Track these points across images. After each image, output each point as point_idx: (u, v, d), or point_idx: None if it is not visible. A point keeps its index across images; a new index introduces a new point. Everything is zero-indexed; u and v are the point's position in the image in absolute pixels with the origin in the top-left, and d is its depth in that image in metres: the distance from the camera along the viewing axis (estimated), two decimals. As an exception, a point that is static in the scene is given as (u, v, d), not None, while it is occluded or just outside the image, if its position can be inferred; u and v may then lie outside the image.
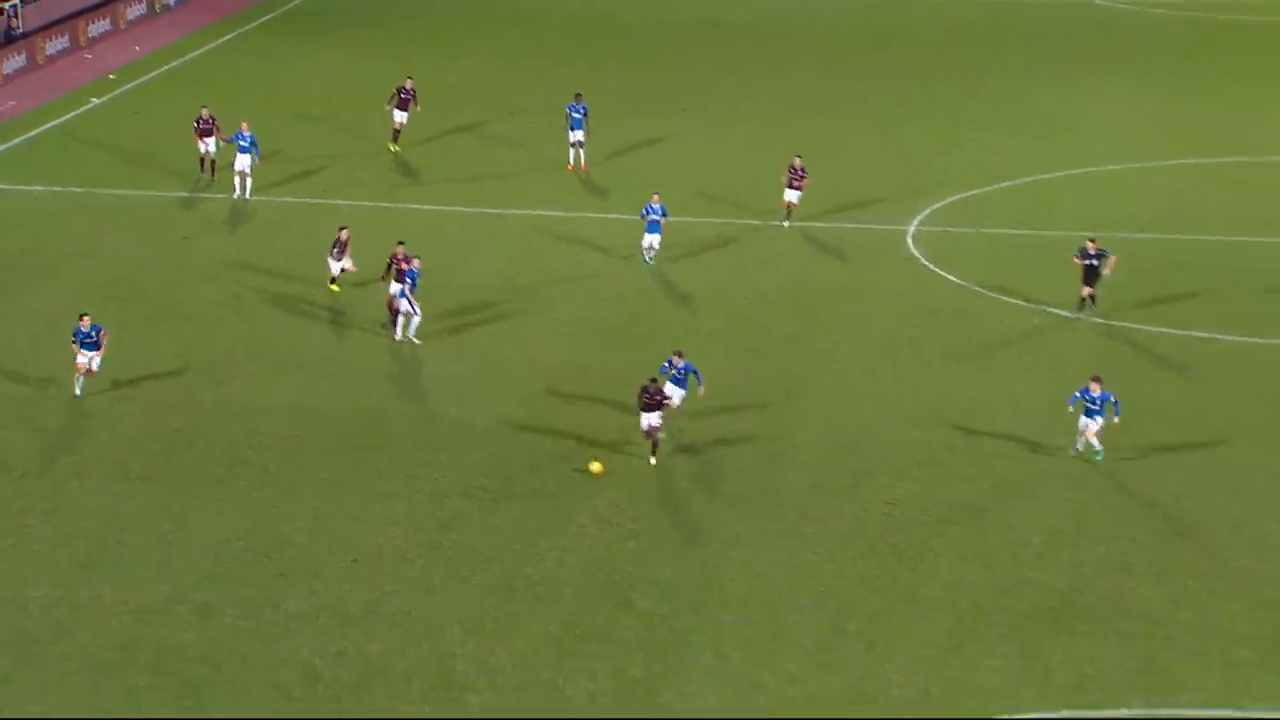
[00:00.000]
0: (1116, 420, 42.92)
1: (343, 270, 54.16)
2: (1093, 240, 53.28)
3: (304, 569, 39.16)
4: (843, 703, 34.01)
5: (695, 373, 44.65)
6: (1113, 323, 53.40)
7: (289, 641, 36.20)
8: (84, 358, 46.49)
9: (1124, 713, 33.72)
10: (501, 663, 35.39)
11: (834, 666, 35.31)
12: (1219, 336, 52.66)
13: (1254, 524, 41.37)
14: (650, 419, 43.04)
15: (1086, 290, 53.26)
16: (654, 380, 43.57)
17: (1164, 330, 53.04)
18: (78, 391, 46.60)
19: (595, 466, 41.73)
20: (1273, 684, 35.08)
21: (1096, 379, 43.19)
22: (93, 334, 46.50)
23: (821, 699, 34.14)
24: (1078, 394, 43.54)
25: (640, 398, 43.18)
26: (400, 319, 51.07)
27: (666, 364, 44.86)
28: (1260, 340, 52.37)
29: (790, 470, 43.97)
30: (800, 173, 60.83)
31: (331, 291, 54.51)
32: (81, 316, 46.54)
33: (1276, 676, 35.39)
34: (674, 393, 44.30)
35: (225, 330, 52.81)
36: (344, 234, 54.25)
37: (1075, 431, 43.80)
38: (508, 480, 43.25)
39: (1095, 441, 43.25)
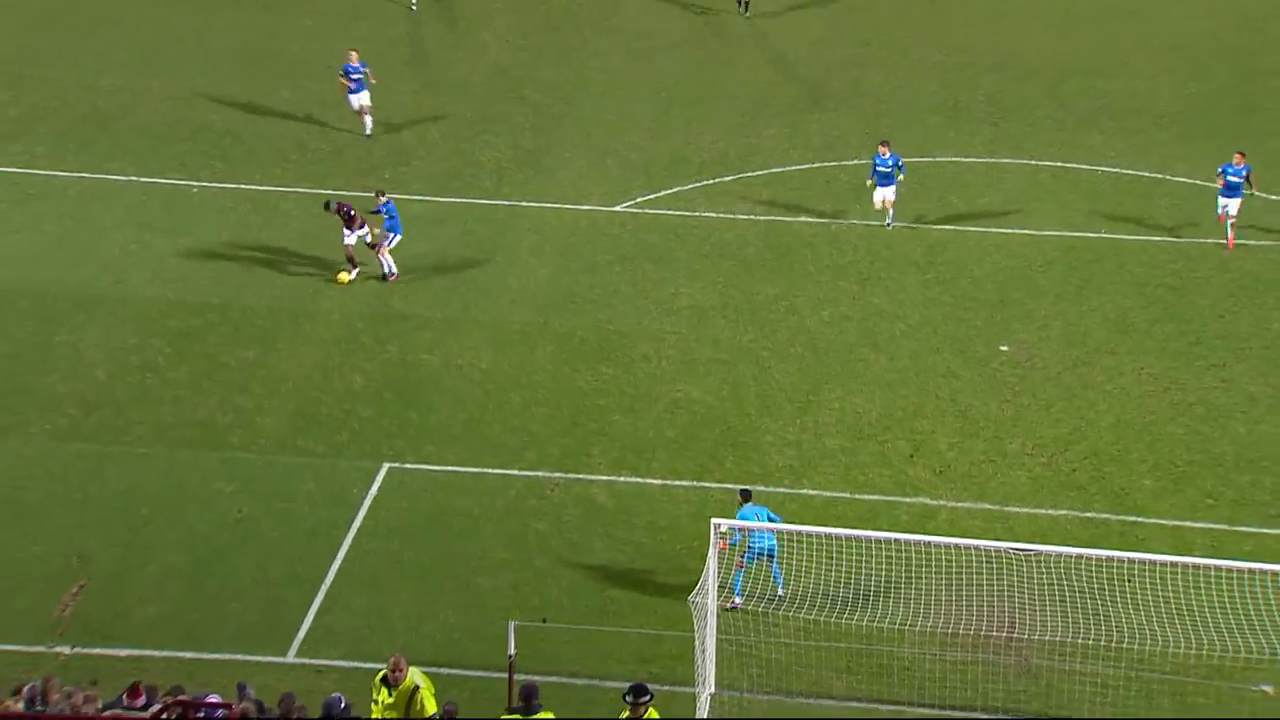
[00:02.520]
0: (902, 176, 31.56)
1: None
2: None
3: (296, 70, 38.69)
4: (668, 162, 34.51)
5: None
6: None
7: (285, 122, 36.11)
8: (356, 101, 35.10)
9: (855, 162, 34.46)
10: (434, 137, 35.60)
11: (664, 139, 35.75)
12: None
13: (941, 18, 41.62)
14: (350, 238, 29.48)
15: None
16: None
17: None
18: (368, 131, 35.25)
19: (342, 277, 29.47)
20: (950, 138, 35.88)
21: (884, 142, 31.69)
22: (360, 69, 34.89)
23: (654, 161, 34.55)
24: (874, 164, 31.48)
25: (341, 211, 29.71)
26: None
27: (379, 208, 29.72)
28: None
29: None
30: None
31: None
32: (348, 51, 35.44)
33: (954, 132, 36.15)
34: (389, 238, 29.64)
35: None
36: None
37: (879, 203, 32.02)
38: (431, 6, 42.39)
39: (889, 213, 31.62)
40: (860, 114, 37.10)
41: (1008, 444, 25.63)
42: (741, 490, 22.25)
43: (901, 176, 31.58)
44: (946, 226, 32.25)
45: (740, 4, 41.84)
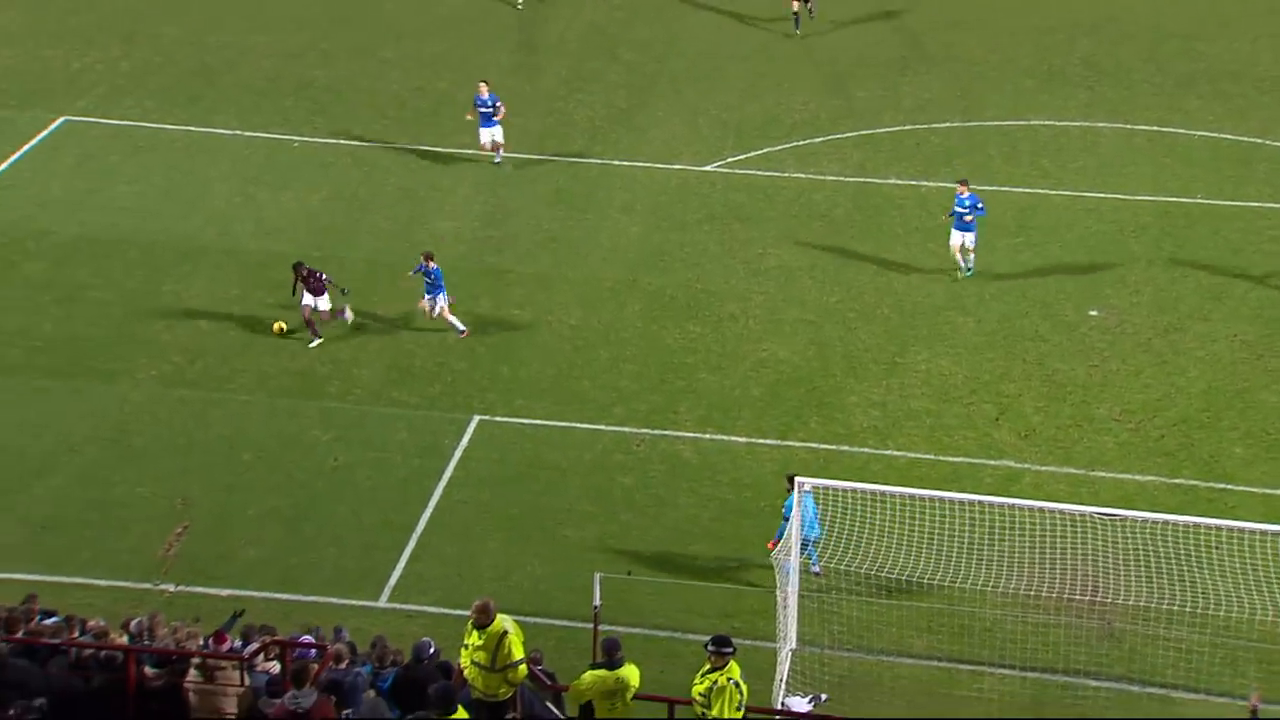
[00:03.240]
0: (982, 216, 28.14)
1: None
2: None
3: (396, 27, 38.81)
4: (759, 123, 34.19)
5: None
6: None
7: (384, 78, 36.35)
8: (486, 135, 32.01)
9: (947, 125, 34.19)
10: (529, 96, 35.39)
11: (756, 99, 35.30)
12: None
13: None
14: (318, 301, 26.60)
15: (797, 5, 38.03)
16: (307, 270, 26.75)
17: None
18: (497, 159, 32.08)
19: (277, 326, 26.62)
20: (1045, 101, 35.28)
21: (963, 181, 28.27)
22: (490, 103, 31.64)
23: (746, 121, 34.31)
24: (954, 205, 28.12)
25: (305, 280, 26.50)
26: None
27: (420, 268, 26.77)
28: None
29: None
30: None
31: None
32: (479, 83, 32.18)
33: (1049, 95, 35.63)
34: (435, 301, 26.76)
35: None
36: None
37: (955, 247, 28.43)
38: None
39: (968, 259, 28.26)
40: (953, 77, 36.46)
41: (1095, 409, 25.18)
42: (789, 475, 21.22)
43: (981, 216, 28.02)
44: (1038, 190, 31.65)
45: (796, 24, 38.42)
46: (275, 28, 38.74)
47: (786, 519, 20.50)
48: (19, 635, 15.30)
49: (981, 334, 27.13)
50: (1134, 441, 24.39)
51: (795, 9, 38.50)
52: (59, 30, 38.45)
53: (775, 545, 20.38)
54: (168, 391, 25.41)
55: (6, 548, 21.90)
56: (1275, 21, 38.99)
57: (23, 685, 13.61)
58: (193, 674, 14.98)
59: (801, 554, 20.63)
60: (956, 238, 28.33)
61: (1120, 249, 29.57)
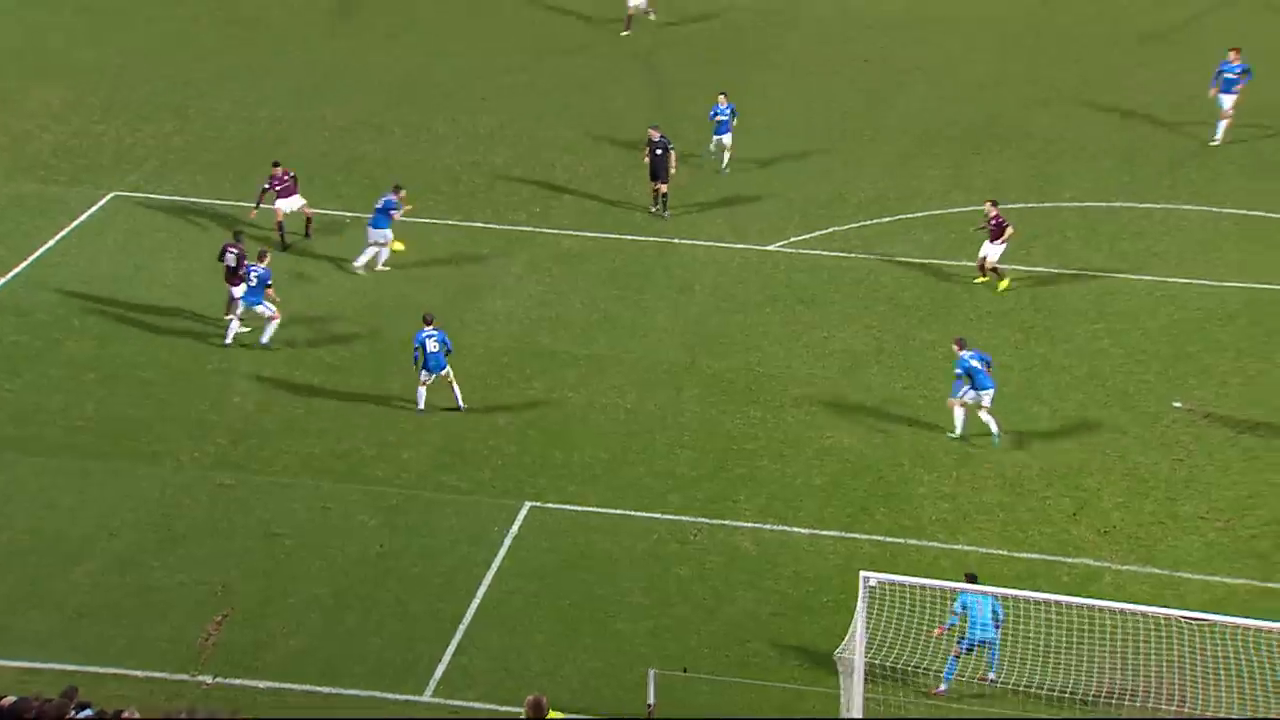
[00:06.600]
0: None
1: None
2: (655, 127, 34.25)
3: (450, 103, 39.52)
4: (825, 201, 34.39)
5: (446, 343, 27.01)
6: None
7: (437, 152, 36.93)
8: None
9: (1021, 205, 34.09)
10: (586, 173, 35.99)
11: (822, 177, 35.62)
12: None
13: (1121, 59, 41.15)
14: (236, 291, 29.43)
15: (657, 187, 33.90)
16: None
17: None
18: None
19: (397, 246, 28.64)
20: (1126, 183, 35.44)
21: (959, 342, 26.47)
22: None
23: (811, 200, 34.47)
24: (957, 379, 26.12)
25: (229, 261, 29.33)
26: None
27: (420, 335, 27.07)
28: None
29: (794, 30, 43.68)
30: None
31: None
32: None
33: (1130, 176, 35.77)
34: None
35: None
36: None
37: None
38: (608, 42, 43.17)
39: (991, 422, 26.15)
40: (1027, 156, 36.63)
41: (1180, 506, 24.95)
42: (968, 574, 21.47)
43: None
44: (1118, 275, 31.64)
45: (656, 203, 34.13)
46: (327, 103, 39.54)
47: (957, 611, 20.55)
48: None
49: (1057, 424, 27.02)
50: (1223, 542, 24.11)
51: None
52: (111, 105, 39.40)
53: (942, 631, 20.57)
54: (210, 474, 25.74)
55: (42, 635, 22.18)
56: (1369, 101, 38.93)
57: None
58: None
59: (970, 654, 20.65)
60: (972, 395, 26.04)
61: (1206, 338, 29.44)
